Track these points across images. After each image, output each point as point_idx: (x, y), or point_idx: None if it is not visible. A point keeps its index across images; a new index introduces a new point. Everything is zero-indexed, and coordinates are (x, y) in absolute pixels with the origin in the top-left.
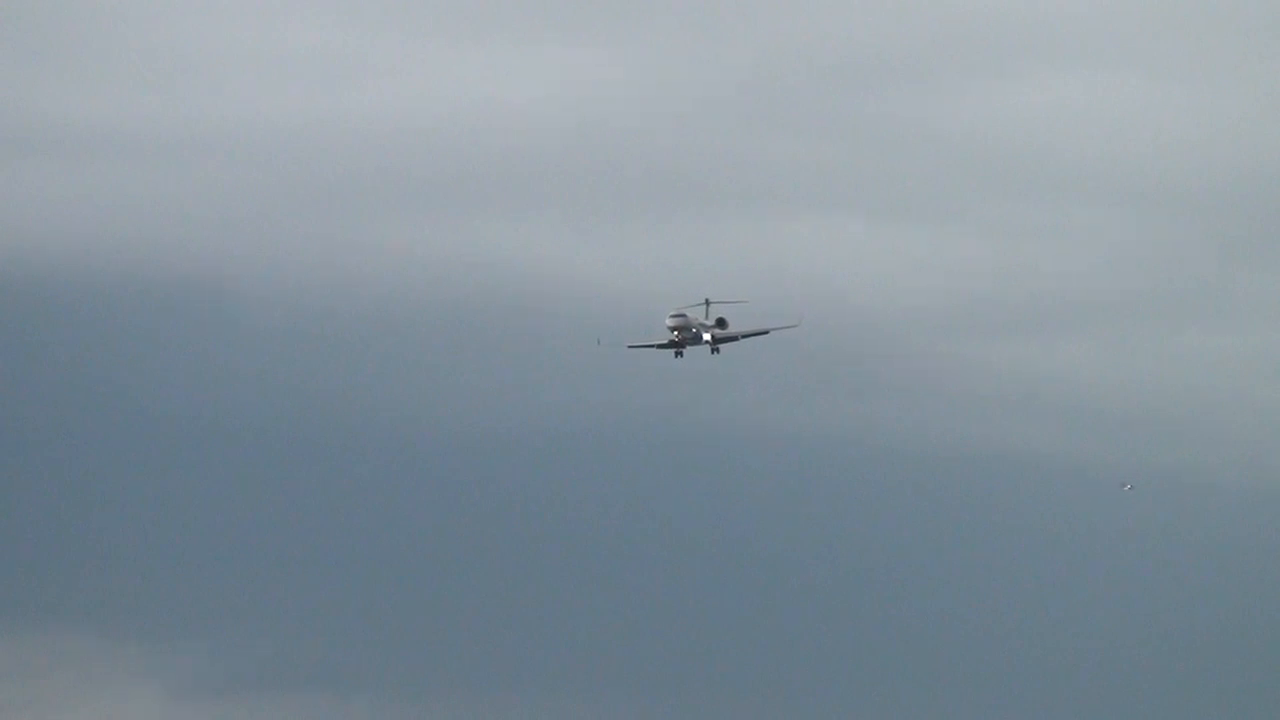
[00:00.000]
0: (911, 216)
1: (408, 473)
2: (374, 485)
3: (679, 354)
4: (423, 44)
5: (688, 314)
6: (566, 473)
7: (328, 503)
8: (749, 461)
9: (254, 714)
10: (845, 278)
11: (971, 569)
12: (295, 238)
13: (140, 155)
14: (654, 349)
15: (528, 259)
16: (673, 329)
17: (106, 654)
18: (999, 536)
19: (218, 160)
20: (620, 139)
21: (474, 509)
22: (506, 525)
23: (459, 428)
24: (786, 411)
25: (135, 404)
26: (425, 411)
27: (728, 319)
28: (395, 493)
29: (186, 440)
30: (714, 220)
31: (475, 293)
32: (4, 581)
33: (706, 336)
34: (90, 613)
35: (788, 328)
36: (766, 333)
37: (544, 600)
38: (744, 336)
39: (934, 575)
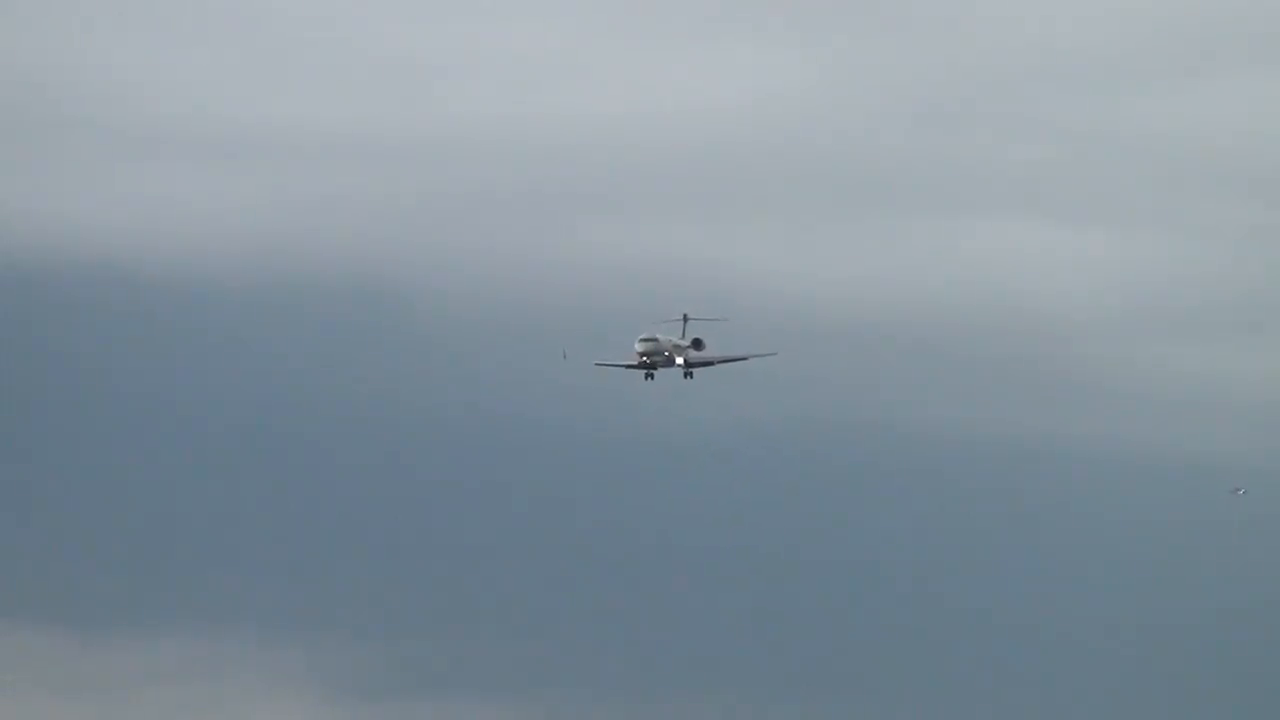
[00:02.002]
0: (1099, 218)
1: (591, 478)
2: (545, 490)
3: (649, 376)
4: (612, 46)
5: (660, 337)
6: (758, 473)
7: (488, 508)
8: (920, 465)
9: (407, 718)
10: (1030, 280)
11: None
12: (484, 241)
13: (329, 159)
14: (622, 369)
15: (719, 262)
16: (641, 354)
17: (263, 657)
18: (1181, 541)
19: (406, 164)
20: (809, 141)
21: (665, 515)
22: (717, 535)
23: (640, 433)
24: (957, 411)
25: (315, 402)
26: (609, 416)
27: (704, 340)
28: (559, 498)
29: (356, 441)
30: (901, 222)
31: (665, 295)
32: (165, 585)
33: (679, 360)
34: (248, 616)
35: (765, 355)
36: (744, 359)
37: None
38: (720, 362)
39: (1113, 583)
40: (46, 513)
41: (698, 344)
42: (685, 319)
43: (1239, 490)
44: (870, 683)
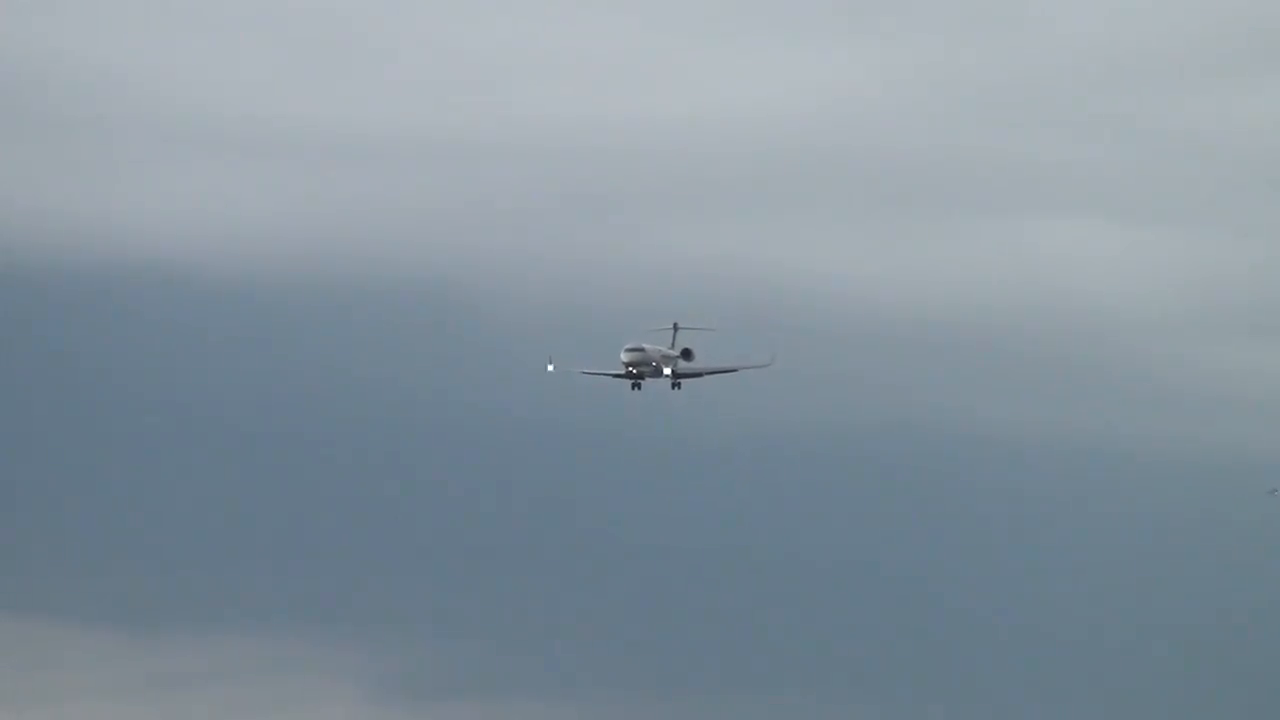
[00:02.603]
0: (1159, 217)
1: (651, 481)
2: (603, 495)
3: (636, 386)
4: (681, 48)
5: (646, 347)
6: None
7: (544, 511)
8: (979, 467)
9: (465, 718)
10: (1088, 279)
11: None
12: (577, 241)
13: (438, 160)
14: (609, 378)
15: (780, 262)
16: (627, 364)
17: (318, 656)
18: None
19: (473, 165)
20: (870, 141)
21: (750, 512)
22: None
23: (717, 431)
24: (1012, 413)
25: (372, 404)
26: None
27: (694, 350)
28: (621, 504)
29: (412, 443)
30: (960, 223)
31: (739, 295)
32: (219, 585)
33: (667, 371)
34: (292, 615)
35: (759, 367)
36: (735, 371)
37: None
38: (709, 373)
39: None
40: (100, 512)
41: (687, 354)
42: (675, 328)
43: (1275, 491)
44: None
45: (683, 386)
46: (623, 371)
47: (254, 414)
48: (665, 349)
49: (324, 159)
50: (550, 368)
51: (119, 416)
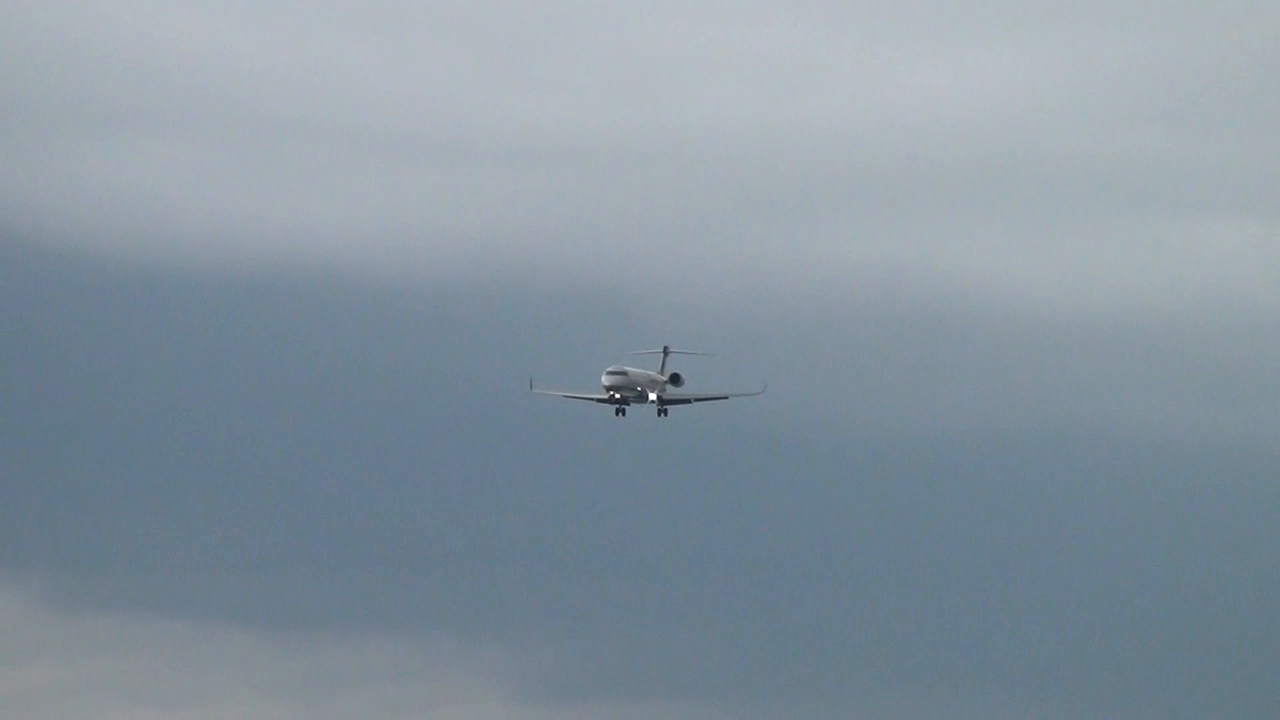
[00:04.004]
0: None
1: (807, 481)
2: (758, 493)
3: (620, 411)
4: (847, 47)
5: (630, 371)
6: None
7: (694, 513)
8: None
9: (605, 717)
10: (1242, 280)
11: None
12: (736, 242)
13: (596, 161)
14: (591, 402)
15: (947, 263)
16: (609, 388)
17: (463, 657)
18: None
19: (656, 167)
20: (1048, 144)
21: (861, 516)
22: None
23: (877, 433)
24: (1193, 413)
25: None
26: (842, 417)
27: (683, 376)
28: (776, 503)
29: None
30: (1142, 224)
31: (901, 298)
32: (367, 587)
33: (652, 396)
34: (445, 616)
35: (750, 395)
36: (725, 398)
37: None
38: (698, 400)
39: None
40: (249, 516)
41: (676, 379)
42: (666, 351)
43: None
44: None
45: (669, 413)
46: (605, 396)
47: (417, 417)
48: (653, 373)
49: (498, 162)
50: (532, 390)
51: (286, 417)
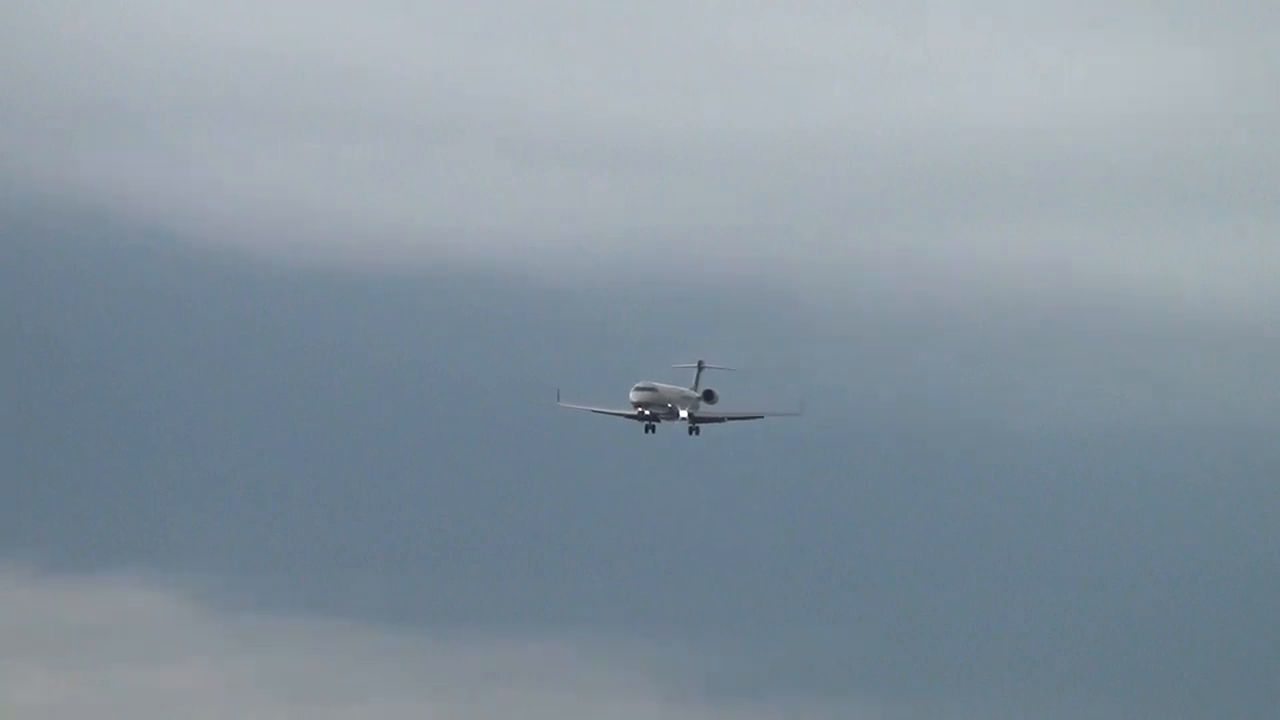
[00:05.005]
0: None
1: (958, 477)
2: (914, 493)
3: (650, 429)
4: (992, 43)
5: (660, 386)
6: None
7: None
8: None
9: (754, 718)
10: None
11: None
12: (858, 244)
13: (697, 163)
14: (620, 418)
15: (1102, 260)
16: (637, 404)
17: (609, 656)
18: None
19: (780, 166)
20: (1198, 144)
21: (1048, 509)
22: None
23: (1026, 430)
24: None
25: None
26: (991, 415)
27: (717, 393)
28: (950, 499)
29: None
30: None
31: (1047, 295)
32: (513, 586)
33: (684, 413)
34: (587, 615)
35: (788, 415)
36: (761, 418)
37: None
38: (731, 419)
39: None
40: (396, 515)
41: (709, 396)
42: (700, 367)
43: None
44: None
45: (701, 431)
46: (634, 412)
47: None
48: (685, 389)
49: (648, 165)
50: (559, 403)
51: (443, 419)
